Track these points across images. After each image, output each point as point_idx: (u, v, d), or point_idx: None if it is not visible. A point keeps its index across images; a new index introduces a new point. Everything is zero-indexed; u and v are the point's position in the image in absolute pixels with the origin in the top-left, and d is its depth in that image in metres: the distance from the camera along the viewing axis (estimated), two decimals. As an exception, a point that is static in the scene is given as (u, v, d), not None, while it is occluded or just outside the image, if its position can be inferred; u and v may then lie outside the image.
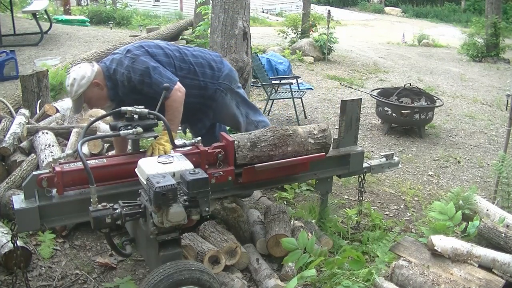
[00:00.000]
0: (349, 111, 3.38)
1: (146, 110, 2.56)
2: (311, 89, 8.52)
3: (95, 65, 2.90)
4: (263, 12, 23.47)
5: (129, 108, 2.54)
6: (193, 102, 3.19)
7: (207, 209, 2.22)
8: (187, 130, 3.76)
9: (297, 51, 11.10)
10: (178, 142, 2.77)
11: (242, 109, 3.47)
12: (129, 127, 2.52)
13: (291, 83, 6.94)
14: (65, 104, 4.48)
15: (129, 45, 3.07)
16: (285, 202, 3.90)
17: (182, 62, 3.12)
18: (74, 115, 4.07)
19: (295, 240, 2.60)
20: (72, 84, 2.79)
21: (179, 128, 3.83)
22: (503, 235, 2.75)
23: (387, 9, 29.12)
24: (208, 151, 2.70)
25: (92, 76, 2.82)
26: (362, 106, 3.92)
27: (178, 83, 2.91)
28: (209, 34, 5.24)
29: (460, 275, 2.54)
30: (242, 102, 3.48)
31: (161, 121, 2.65)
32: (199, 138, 2.78)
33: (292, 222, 3.28)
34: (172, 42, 4.34)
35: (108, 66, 2.93)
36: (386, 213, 4.19)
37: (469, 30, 14.76)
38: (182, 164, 2.32)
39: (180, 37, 9.42)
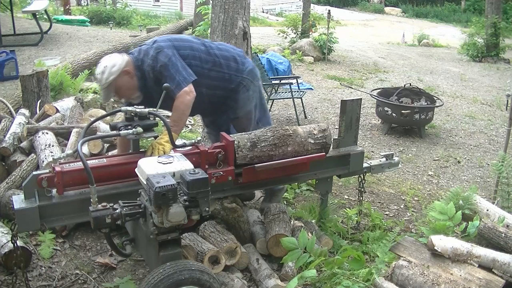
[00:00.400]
0: (349, 111, 3.38)
1: (146, 110, 2.56)
2: (311, 89, 8.52)
3: (124, 55, 2.96)
4: (263, 12, 23.47)
5: (129, 108, 2.54)
6: (219, 95, 3.24)
7: (207, 209, 2.22)
8: (206, 127, 3.71)
9: (297, 51, 11.09)
10: (178, 142, 2.78)
11: (256, 113, 3.49)
12: (129, 127, 2.52)
13: (291, 83, 6.94)
14: (65, 104, 4.48)
15: (157, 37, 3.15)
16: (285, 202, 3.89)
17: (207, 54, 3.16)
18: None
19: (295, 240, 2.60)
20: (103, 71, 2.81)
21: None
22: (503, 235, 2.75)
23: (387, 9, 29.13)
24: (208, 151, 2.70)
25: (123, 64, 2.86)
26: (362, 106, 3.93)
27: (191, 85, 2.92)
28: (209, 34, 5.23)
29: (460, 275, 2.54)
30: (259, 106, 3.51)
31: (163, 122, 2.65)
32: (199, 138, 2.79)
33: (292, 222, 3.28)
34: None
35: (136, 56, 3.00)
36: (386, 213, 4.19)
37: (469, 30, 14.76)
38: (182, 164, 2.31)
39: (180, 37, 9.41)
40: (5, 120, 3.79)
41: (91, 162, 2.46)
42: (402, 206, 4.37)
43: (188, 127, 5.99)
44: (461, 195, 3.47)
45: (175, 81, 2.86)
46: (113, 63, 2.83)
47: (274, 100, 6.97)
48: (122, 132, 2.49)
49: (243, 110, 3.36)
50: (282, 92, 7.04)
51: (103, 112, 4.53)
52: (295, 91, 6.85)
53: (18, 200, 2.35)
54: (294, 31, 12.72)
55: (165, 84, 2.73)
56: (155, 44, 2.98)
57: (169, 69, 2.90)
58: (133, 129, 2.50)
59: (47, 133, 3.66)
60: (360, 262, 2.59)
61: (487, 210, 3.28)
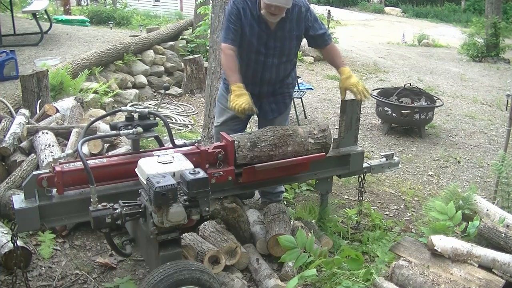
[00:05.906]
0: (349, 111, 3.38)
1: (146, 110, 2.57)
2: (311, 89, 8.52)
3: None
4: (263, 12, 23.40)
5: (129, 108, 2.55)
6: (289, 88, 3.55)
7: (207, 209, 2.22)
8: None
9: (297, 51, 11.07)
10: (178, 142, 2.78)
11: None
12: (129, 127, 2.53)
13: (291, 83, 6.92)
14: (65, 104, 4.48)
15: None
16: (285, 202, 3.89)
17: None
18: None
19: (293, 238, 2.59)
20: None
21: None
22: (503, 235, 2.75)
23: (387, 9, 29.13)
24: (208, 151, 2.70)
25: None
26: (362, 106, 3.92)
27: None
28: (209, 34, 5.22)
29: (460, 275, 2.54)
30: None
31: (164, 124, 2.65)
32: (199, 138, 2.79)
33: (292, 222, 3.28)
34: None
35: None
36: (386, 213, 4.19)
37: (469, 30, 14.77)
38: (182, 164, 2.32)
39: (180, 37, 9.39)
40: (5, 120, 3.79)
41: (91, 162, 2.46)
42: (402, 206, 4.37)
43: (188, 127, 6.00)
44: (459, 193, 3.47)
45: (327, 32, 3.37)
46: None
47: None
48: (122, 132, 2.49)
49: (288, 106, 3.58)
50: (282, 92, 7.02)
51: (103, 112, 4.53)
52: (295, 91, 6.83)
53: (18, 200, 2.35)
54: (294, 31, 12.68)
55: (165, 84, 2.73)
56: None
57: (318, 19, 3.32)
58: (133, 129, 2.51)
59: (47, 133, 3.66)
60: (358, 262, 2.59)
61: (487, 210, 3.27)
